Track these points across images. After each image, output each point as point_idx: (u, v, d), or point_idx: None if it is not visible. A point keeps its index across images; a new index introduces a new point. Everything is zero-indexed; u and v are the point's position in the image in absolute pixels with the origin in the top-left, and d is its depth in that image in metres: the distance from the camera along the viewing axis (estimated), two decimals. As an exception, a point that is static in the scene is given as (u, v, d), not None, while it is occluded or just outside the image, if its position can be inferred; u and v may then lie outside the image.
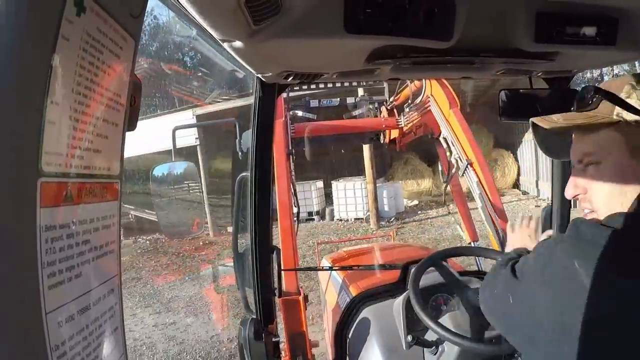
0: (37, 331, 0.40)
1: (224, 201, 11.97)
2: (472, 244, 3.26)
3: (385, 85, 4.71)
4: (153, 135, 8.52)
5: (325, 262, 3.68)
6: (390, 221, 12.44)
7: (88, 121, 0.48)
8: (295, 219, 2.75)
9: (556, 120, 1.03)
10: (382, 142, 4.38)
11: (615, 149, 0.92)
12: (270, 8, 0.86)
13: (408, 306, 1.93)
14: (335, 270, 3.11)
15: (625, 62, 2.00)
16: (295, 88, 4.14)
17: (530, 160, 14.01)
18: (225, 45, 1.03)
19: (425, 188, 15.01)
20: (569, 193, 1.04)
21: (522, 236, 1.56)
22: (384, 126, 4.22)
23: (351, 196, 12.93)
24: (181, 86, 16.59)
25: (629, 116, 0.90)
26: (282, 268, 2.09)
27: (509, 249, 1.54)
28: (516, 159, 15.04)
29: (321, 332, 3.95)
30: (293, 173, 2.96)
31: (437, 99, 3.07)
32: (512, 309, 1.00)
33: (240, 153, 1.97)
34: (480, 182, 2.57)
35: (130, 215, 13.48)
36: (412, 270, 1.96)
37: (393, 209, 12.92)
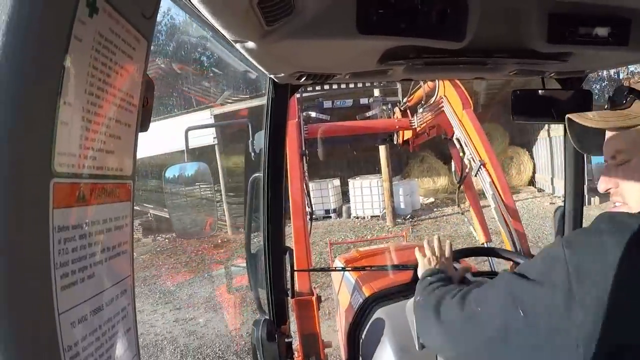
0: (50, 332, 0.40)
1: (243, 200, 11.98)
2: (485, 244, 3.24)
3: (399, 86, 4.70)
4: (172, 135, 8.61)
5: (338, 263, 3.68)
6: (406, 219, 12.45)
7: (101, 122, 0.48)
8: (308, 219, 2.75)
9: (591, 117, 1.06)
10: (395, 143, 4.37)
11: None
12: (282, 9, 0.86)
13: None
14: (347, 270, 3.11)
15: (638, 62, 1.98)
16: (309, 89, 4.15)
17: (546, 158, 14.05)
18: (237, 46, 1.03)
19: (441, 186, 14.99)
20: (601, 187, 1.06)
21: (429, 258, 1.66)
22: (397, 127, 4.21)
23: (367, 194, 13.01)
24: (197, 87, 16.71)
25: None
26: (295, 268, 2.09)
27: (420, 271, 1.63)
28: (532, 157, 15.03)
29: (335, 329, 3.96)
30: (306, 173, 2.96)
31: (450, 100, 3.06)
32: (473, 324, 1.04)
33: (252, 153, 1.97)
34: (493, 183, 2.56)
35: (149, 215, 13.61)
36: None
37: (409, 206, 12.94)
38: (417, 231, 11.12)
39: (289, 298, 2.05)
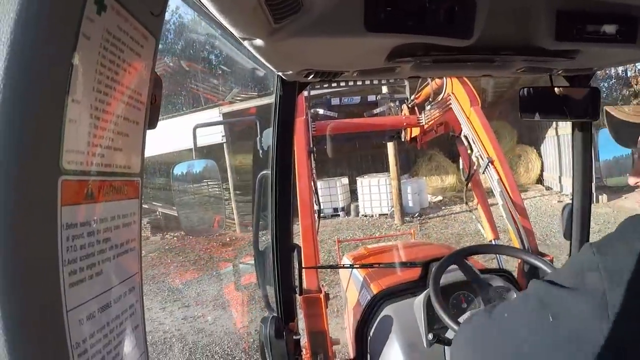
0: (58, 329, 0.40)
1: (251, 198, 12.02)
2: (493, 242, 3.23)
3: (406, 83, 4.69)
4: (181, 133, 8.64)
5: (346, 260, 3.68)
6: (415, 217, 12.45)
7: (109, 119, 0.48)
8: (316, 216, 2.75)
9: (627, 111, 1.08)
10: (403, 140, 4.37)
11: None
12: (290, 6, 0.86)
13: (429, 304, 1.92)
14: (355, 268, 3.11)
15: None
16: (316, 86, 4.15)
17: (554, 156, 14.00)
18: (245, 43, 1.04)
19: (450, 184, 14.95)
20: (632, 180, 1.08)
21: None
22: (405, 124, 4.20)
23: (376, 192, 13.01)
24: (206, 85, 16.75)
25: None
26: (303, 266, 2.09)
27: None
28: (540, 155, 14.95)
29: (343, 326, 3.97)
30: (314, 171, 2.96)
31: (458, 97, 3.05)
32: None
33: (260, 151, 1.97)
34: (501, 180, 2.55)
35: (158, 213, 13.67)
36: (433, 268, 1.95)
37: (417, 204, 12.93)
38: (425, 229, 11.12)
39: (297, 295, 2.06)
